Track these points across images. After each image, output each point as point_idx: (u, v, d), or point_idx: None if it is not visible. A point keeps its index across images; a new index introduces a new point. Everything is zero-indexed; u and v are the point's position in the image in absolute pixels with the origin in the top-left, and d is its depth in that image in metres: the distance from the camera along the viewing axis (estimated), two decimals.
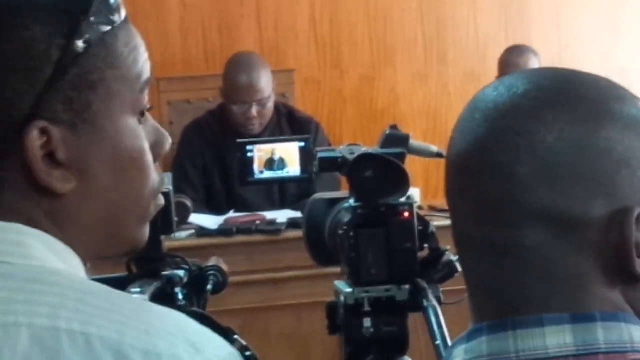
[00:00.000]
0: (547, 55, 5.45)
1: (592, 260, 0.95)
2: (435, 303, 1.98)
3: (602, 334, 0.93)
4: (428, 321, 1.98)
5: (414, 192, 2.47)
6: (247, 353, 1.83)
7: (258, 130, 4.59)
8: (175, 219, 2.06)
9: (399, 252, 1.99)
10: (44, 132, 0.96)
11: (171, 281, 2.03)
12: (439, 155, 2.22)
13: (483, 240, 0.97)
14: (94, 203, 1.00)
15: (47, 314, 0.92)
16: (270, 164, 2.38)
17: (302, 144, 2.32)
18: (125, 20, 1.02)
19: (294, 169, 2.30)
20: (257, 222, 4.21)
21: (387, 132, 2.14)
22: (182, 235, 4.01)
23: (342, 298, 2.03)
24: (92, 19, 0.98)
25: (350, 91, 5.85)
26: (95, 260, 1.07)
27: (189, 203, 3.55)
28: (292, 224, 4.10)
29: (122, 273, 2.01)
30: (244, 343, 1.84)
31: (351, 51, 5.84)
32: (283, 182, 3.71)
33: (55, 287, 0.94)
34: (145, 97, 1.04)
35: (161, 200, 1.08)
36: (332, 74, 5.84)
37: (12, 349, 0.91)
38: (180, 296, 2.03)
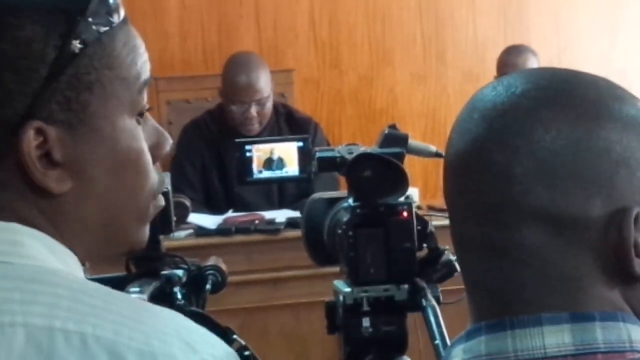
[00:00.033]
0: (545, 56, 5.45)
1: (591, 260, 0.95)
2: (434, 303, 1.99)
3: (601, 334, 0.93)
4: (427, 321, 1.98)
5: (413, 192, 2.47)
6: (246, 352, 1.83)
7: (257, 130, 4.59)
8: (174, 218, 2.06)
9: (397, 251, 1.99)
10: (39, 132, 0.96)
11: (170, 281, 2.03)
12: (437, 154, 2.22)
13: (482, 241, 0.97)
14: (91, 203, 1.00)
15: (42, 313, 0.92)
16: (268, 163, 2.38)
17: (301, 143, 2.32)
18: (124, 21, 1.02)
19: (292, 168, 2.30)
20: (256, 222, 4.21)
21: (386, 131, 2.14)
22: (181, 235, 4.01)
23: (341, 298, 2.03)
24: (89, 19, 0.98)
25: (349, 91, 5.85)
26: (95, 260, 1.07)
27: (187, 203, 3.54)
28: (290, 223, 4.10)
29: (121, 273, 2.01)
30: (243, 342, 1.84)
31: (350, 51, 5.84)
32: (282, 181, 3.71)
33: (51, 286, 0.94)
34: (144, 97, 1.04)
35: (161, 201, 1.08)
36: (331, 74, 5.84)
37: (8, 348, 0.91)
38: (179, 296, 2.03)
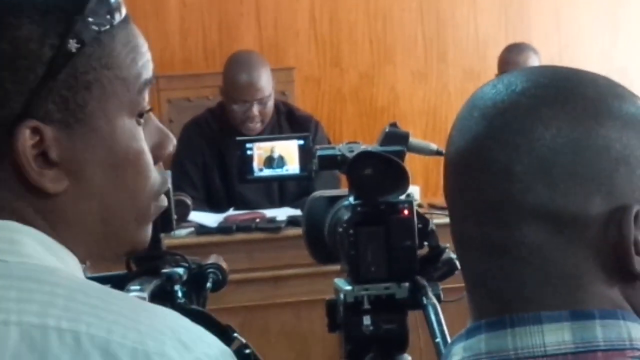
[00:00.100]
0: (547, 55, 5.45)
1: (591, 258, 0.95)
2: (434, 301, 1.99)
3: (601, 332, 0.93)
4: (428, 319, 1.99)
5: (414, 190, 2.47)
6: (247, 351, 1.83)
7: (259, 129, 4.59)
8: (175, 216, 2.06)
9: (398, 249, 1.99)
10: (36, 131, 0.96)
11: (171, 279, 2.03)
12: (438, 153, 2.22)
13: (482, 239, 0.97)
14: (89, 203, 1.00)
15: (36, 311, 0.92)
16: (269, 161, 2.38)
17: (302, 141, 2.31)
18: (126, 20, 1.01)
19: (293, 166, 2.30)
20: (257, 220, 4.22)
21: (387, 129, 2.14)
22: (181, 233, 4.01)
23: (341, 296, 2.03)
24: (89, 18, 0.97)
25: (350, 89, 5.85)
26: (96, 259, 1.07)
27: (188, 201, 3.54)
28: (291, 221, 4.11)
29: (122, 271, 2.01)
30: (244, 341, 1.84)
31: (351, 49, 5.84)
32: (282, 180, 3.71)
33: (46, 284, 0.94)
34: (145, 98, 1.03)
35: (164, 201, 1.07)
36: (332, 72, 5.84)
37: (2, 346, 0.91)
38: (180, 294, 2.03)
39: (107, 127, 0.99)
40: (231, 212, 4.37)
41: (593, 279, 0.95)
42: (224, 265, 2.14)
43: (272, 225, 4.16)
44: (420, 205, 3.40)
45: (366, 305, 2.00)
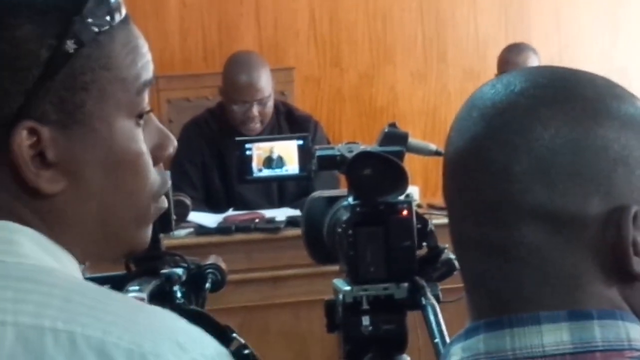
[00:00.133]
0: (547, 55, 5.45)
1: (590, 258, 0.95)
2: (433, 301, 1.99)
3: (599, 332, 0.93)
4: (427, 319, 1.98)
5: (413, 190, 2.47)
6: (246, 351, 1.83)
7: (258, 129, 4.59)
8: (174, 217, 2.06)
9: (397, 250, 1.99)
10: (33, 132, 0.96)
11: (170, 279, 2.03)
12: (437, 153, 2.22)
13: (481, 239, 0.97)
14: (87, 204, 0.99)
15: (32, 312, 0.91)
16: (268, 162, 2.38)
17: (301, 142, 2.31)
18: (126, 21, 1.01)
19: (292, 167, 2.30)
20: (256, 220, 4.22)
21: (386, 130, 2.14)
22: (181, 234, 4.01)
23: (340, 296, 2.03)
24: (88, 19, 0.97)
25: (350, 90, 5.85)
26: (95, 260, 1.07)
27: (187, 201, 3.54)
28: (291, 222, 4.10)
29: (121, 271, 2.01)
30: (243, 341, 1.84)
31: (350, 49, 5.84)
32: (281, 180, 3.71)
33: (44, 285, 0.94)
34: (144, 99, 1.02)
35: (164, 203, 1.07)
36: (332, 72, 5.84)
37: None
38: (179, 294, 2.03)
39: (105, 128, 0.99)
40: (230, 212, 4.37)
41: (591, 279, 0.95)
42: (223, 265, 2.13)
43: (271, 226, 4.16)
44: (419, 206, 3.39)
45: (365, 306, 2.00)
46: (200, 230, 4.14)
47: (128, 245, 1.05)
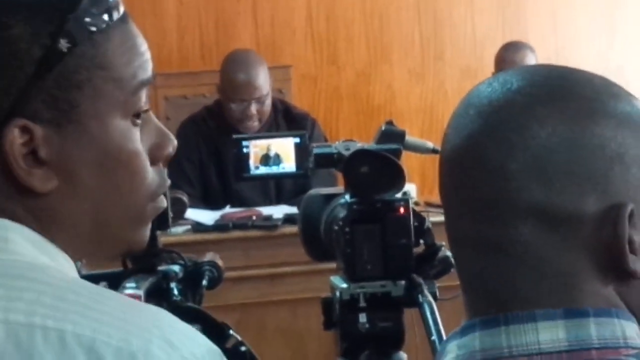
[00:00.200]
0: (543, 55, 5.45)
1: (586, 256, 0.95)
2: (430, 299, 1.99)
3: (595, 330, 0.93)
4: (423, 317, 1.99)
5: (410, 188, 2.47)
6: (243, 348, 1.83)
7: (256, 127, 4.58)
8: (171, 214, 2.06)
9: (394, 247, 2.00)
10: (25, 130, 0.95)
11: (166, 276, 2.03)
12: (434, 151, 2.22)
13: (477, 237, 0.97)
14: (80, 203, 0.99)
15: (23, 310, 0.91)
16: (265, 159, 2.38)
17: (298, 139, 2.32)
18: (123, 20, 1.00)
19: (289, 164, 2.30)
20: (253, 218, 4.22)
21: (383, 128, 2.14)
22: (178, 231, 4.01)
23: (337, 293, 2.04)
24: (84, 18, 0.96)
25: (347, 88, 5.85)
26: (92, 259, 1.06)
27: (185, 198, 3.55)
28: (288, 219, 4.10)
29: (117, 268, 2.01)
30: (240, 338, 1.84)
31: (347, 48, 5.84)
32: (279, 178, 3.71)
33: (36, 283, 0.93)
34: (141, 98, 1.01)
35: (162, 202, 1.06)
36: (329, 70, 5.84)
37: None
38: (176, 291, 2.04)
39: (99, 127, 0.98)
40: (228, 209, 4.37)
41: (588, 277, 0.95)
42: (219, 262, 2.14)
43: (269, 223, 4.16)
44: (416, 204, 3.39)
45: (362, 303, 2.01)
46: (198, 227, 4.14)
47: (124, 245, 1.05)
